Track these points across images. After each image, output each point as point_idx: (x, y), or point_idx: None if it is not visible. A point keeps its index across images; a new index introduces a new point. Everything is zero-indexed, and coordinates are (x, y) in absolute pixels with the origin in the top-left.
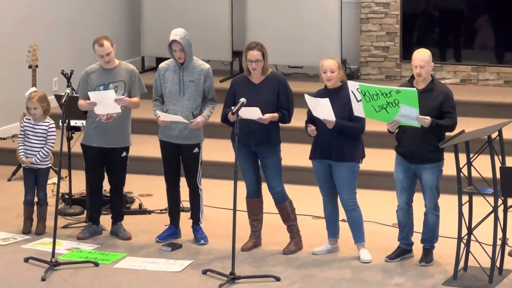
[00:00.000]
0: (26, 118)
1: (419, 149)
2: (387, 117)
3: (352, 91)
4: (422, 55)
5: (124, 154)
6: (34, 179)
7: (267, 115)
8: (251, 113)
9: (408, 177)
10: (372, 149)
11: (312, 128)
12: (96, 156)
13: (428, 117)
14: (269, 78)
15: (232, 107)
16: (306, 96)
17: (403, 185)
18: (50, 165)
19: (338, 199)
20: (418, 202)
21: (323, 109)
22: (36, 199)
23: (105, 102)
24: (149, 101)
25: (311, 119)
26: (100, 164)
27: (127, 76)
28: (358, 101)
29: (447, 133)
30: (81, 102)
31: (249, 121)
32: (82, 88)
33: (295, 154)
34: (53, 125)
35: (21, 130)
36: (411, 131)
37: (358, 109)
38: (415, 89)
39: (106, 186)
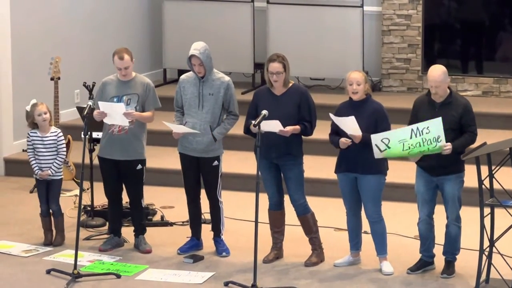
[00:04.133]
0: (32, 132)
1: (441, 161)
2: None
3: (376, 144)
4: (437, 76)
5: (139, 167)
6: (46, 190)
7: (289, 128)
8: (271, 126)
9: (430, 189)
10: (394, 162)
11: (346, 141)
12: (111, 168)
13: (449, 145)
14: (291, 90)
15: (253, 121)
16: (332, 116)
17: (424, 197)
18: (62, 176)
19: (362, 211)
20: (439, 214)
21: (350, 126)
22: (50, 211)
23: (114, 114)
24: (170, 113)
25: (335, 131)
26: (115, 176)
27: (142, 89)
28: (381, 151)
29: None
30: (94, 112)
31: (270, 133)
32: (97, 98)
33: (317, 166)
34: (61, 134)
35: (28, 145)
36: None
37: (378, 154)
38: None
39: (127, 198)
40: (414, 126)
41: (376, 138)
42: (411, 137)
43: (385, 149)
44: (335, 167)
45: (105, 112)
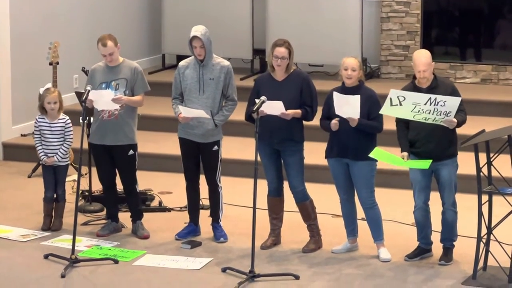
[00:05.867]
0: (39, 118)
1: (437, 147)
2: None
3: (391, 97)
4: (424, 59)
5: (131, 152)
6: (54, 176)
7: (290, 111)
8: (274, 108)
9: (426, 176)
10: (391, 148)
11: (335, 121)
12: (103, 153)
13: (455, 120)
14: (292, 76)
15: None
16: (335, 93)
17: (421, 185)
18: (69, 162)
19: (356, 197)
20: (433, 202)
21: (350, 107)
22: (54, 196)
23: (104, 101)
24: (169, 99)
25: (327, 116)
26: (108, 162)
27: (130, 74)
28: (392, 105)
29: (466, 132)
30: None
31: (272, 118)
32: (87, 84)
33: (315, 152)
34: (69, 121)
35: (36, 130)
36: (427, 131)
37: (386, 109)
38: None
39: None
40: (433, 96)
41: (394, 92)
42: (425, 103)
43: (396, 105)
44: (325, 153)
45: (92, 99)
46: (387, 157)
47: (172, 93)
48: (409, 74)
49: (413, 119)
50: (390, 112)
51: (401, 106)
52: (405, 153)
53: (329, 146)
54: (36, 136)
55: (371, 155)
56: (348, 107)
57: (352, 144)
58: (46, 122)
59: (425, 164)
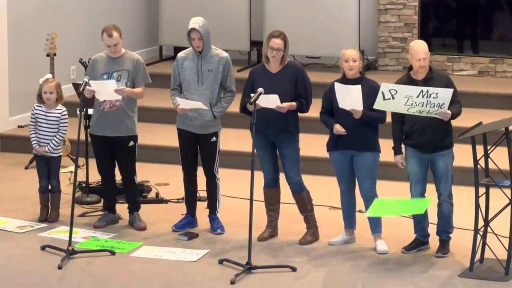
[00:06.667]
0: (37, 106)
1: (434, 137)
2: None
3: (382, 91)
4: (423, 48)
5: (131, 143)
6: (47, 167)
7: (285, 104)
8: (270, 101)
9: (423, 168)
10: (390, 140)
11: (341, 129)
12: (102, 145)
13: (449, 111)
14: (287, 68)
15: (252, 94)
16: (336, 84)
17: (418, 177)
18: (61, 153)
19: (356, 190)
20: (429, 194)
21: (352, 98)
22: (49, 187)
23: (106, 91)
24: (166, 91)
25: (328, 110)
26: (107, 153)
27: (132, 65)
28: (385, 99)
29: (464, 125)
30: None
31: (267, 110)
32: (88, 75)
33: (312, 144)
34: (66, 112)
35: (32, 118)
36: (422, 122)
37: (379, 103)
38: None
39: (119, 175)
40: (424, 88)
41: (385, 86)
42: (417, 96)
43: (389, 99)
44: (327, 146)
45: (94, 90)
46: (387, 209)
47: (171, 84)
48: (406, 66)
49: (408, 113)
50: (384, 107)
51: (394, 99)
52: (400, 157)
53: (332, 140)
54: (31, 124)
55: (368, 215)
56: (350, 98)
57: (359, 136)
58: (43, 111)
59: (421, 209)
